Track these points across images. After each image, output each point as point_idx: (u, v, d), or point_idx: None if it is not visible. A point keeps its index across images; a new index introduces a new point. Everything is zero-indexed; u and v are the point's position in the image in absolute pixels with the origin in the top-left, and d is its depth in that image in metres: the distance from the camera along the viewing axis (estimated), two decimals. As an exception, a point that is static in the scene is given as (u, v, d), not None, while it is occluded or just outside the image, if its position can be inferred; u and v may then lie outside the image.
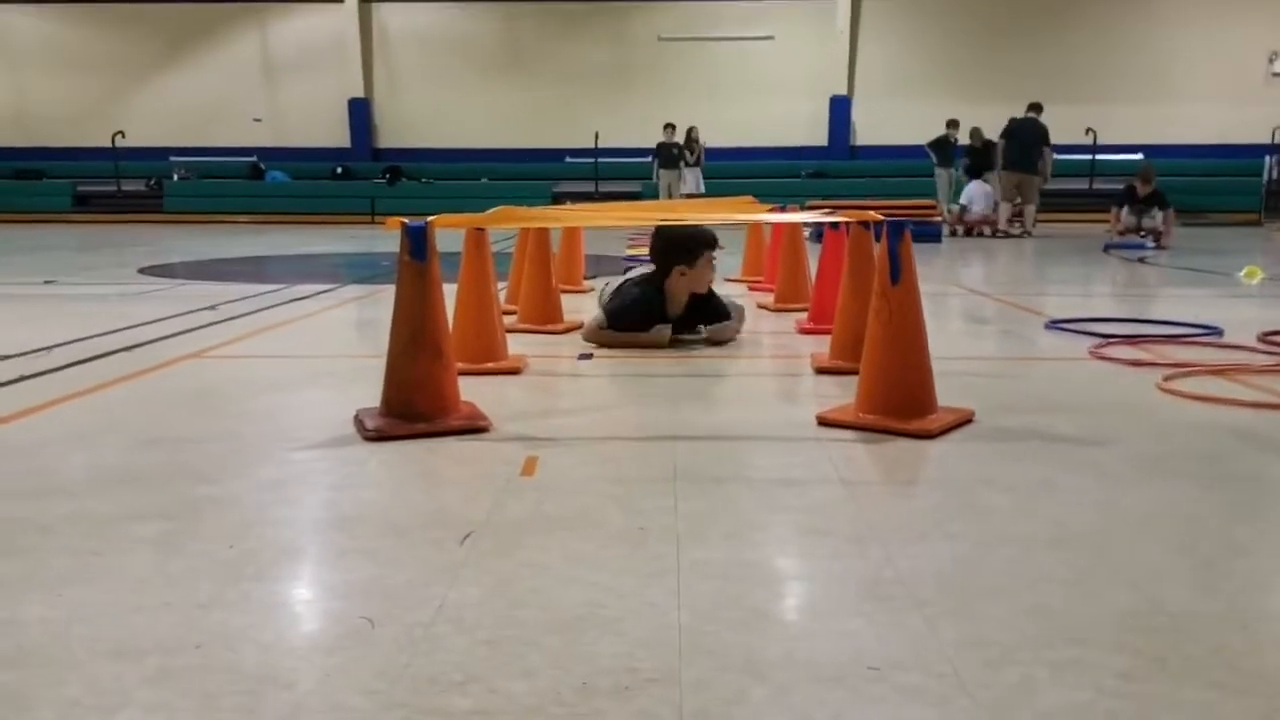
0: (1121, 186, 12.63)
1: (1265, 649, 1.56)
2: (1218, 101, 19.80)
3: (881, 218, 2.97)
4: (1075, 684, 1.44)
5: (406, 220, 2.89)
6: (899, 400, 2.91)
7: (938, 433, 2.83)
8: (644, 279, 4.57)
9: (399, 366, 2.91)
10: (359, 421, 2.91)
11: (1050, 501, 2.28)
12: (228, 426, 3.02)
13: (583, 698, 1.40)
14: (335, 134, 20.57)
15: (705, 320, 4.52)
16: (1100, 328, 4.84)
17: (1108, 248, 11.09)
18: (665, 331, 4.40)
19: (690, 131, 17.59)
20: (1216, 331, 4.75)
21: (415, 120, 20.47)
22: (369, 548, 2.00)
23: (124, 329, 4.90)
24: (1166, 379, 3.58)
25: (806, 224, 6.66)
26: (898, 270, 2.89)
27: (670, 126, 17.51)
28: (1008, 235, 13.45)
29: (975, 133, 14.85)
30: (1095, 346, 4.31)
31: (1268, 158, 19.42)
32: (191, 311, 5.63)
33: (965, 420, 2.98)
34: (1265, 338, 4.54)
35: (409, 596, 1.75)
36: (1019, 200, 13.64)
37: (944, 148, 15.58)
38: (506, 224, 3.92)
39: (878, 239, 3.84)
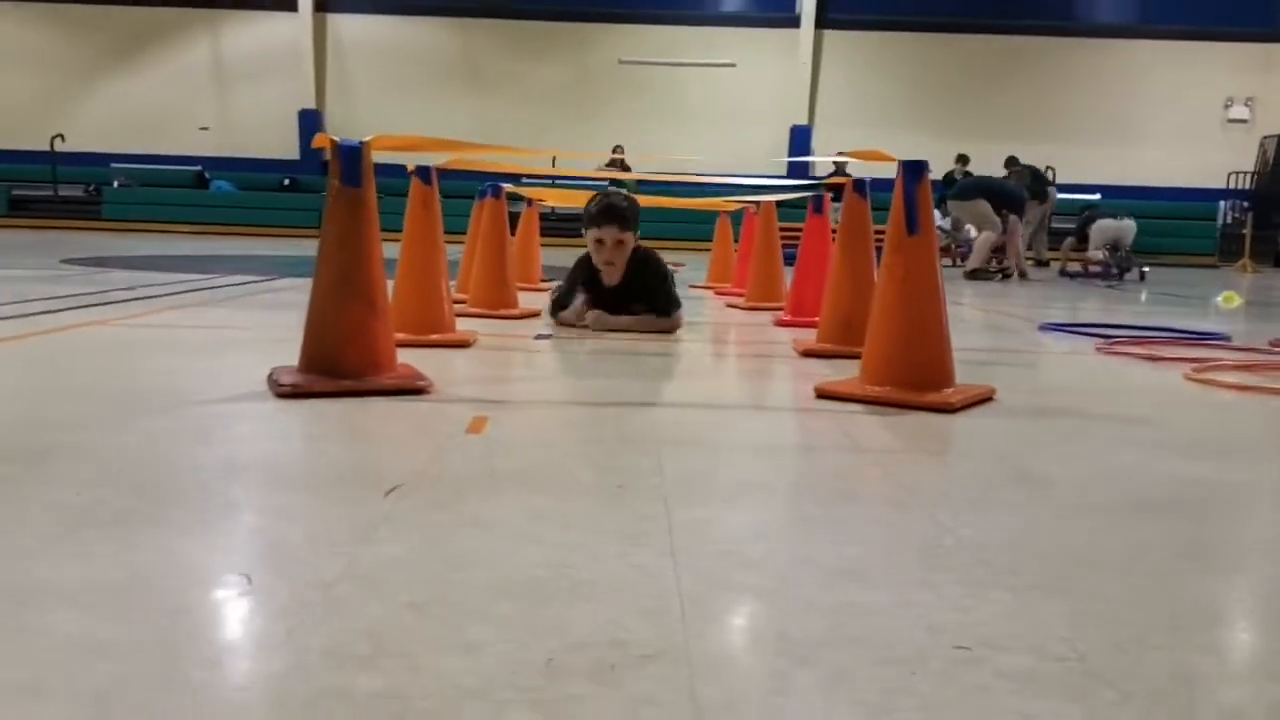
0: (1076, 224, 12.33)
1: None
2: (1175, 146, 19.90)
3: (894, 158, 2.55)
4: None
5: (338, 139, 2.43)
6: (913, 371, 2.48)
7: (960, 406, 2.41)
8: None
9: (323, 314, 2.43)
10: (273, 380, 2.43)
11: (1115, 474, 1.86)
12: (113, 382, 2.53)
13: (549, 679, 0.94)
14: (285, 145, 19.96)
15: (640, 301, 3.97)
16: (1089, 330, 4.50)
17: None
18: (577, 307, 3.97)
19: (616, 150, 15.70)
20: (1225, 337, 4.44)
21: (368, 133, 19.66)
22: (261, 501, 1.53)
23: (27, 300, 4.37)
24: (1196, 370, 3.21)
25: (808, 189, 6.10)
26: (914, 219, 2.48)
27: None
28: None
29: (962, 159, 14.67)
30: (1101, 345, 3.95)
31: (1222, 202, 19.53)
32: (107, 290, 5.10)
33: (986, 397, 2.57)
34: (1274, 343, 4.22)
35: (307, 554, 1.28)
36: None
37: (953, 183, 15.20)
38: (460, 152, 3.43)
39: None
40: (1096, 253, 11.30)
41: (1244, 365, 3.46)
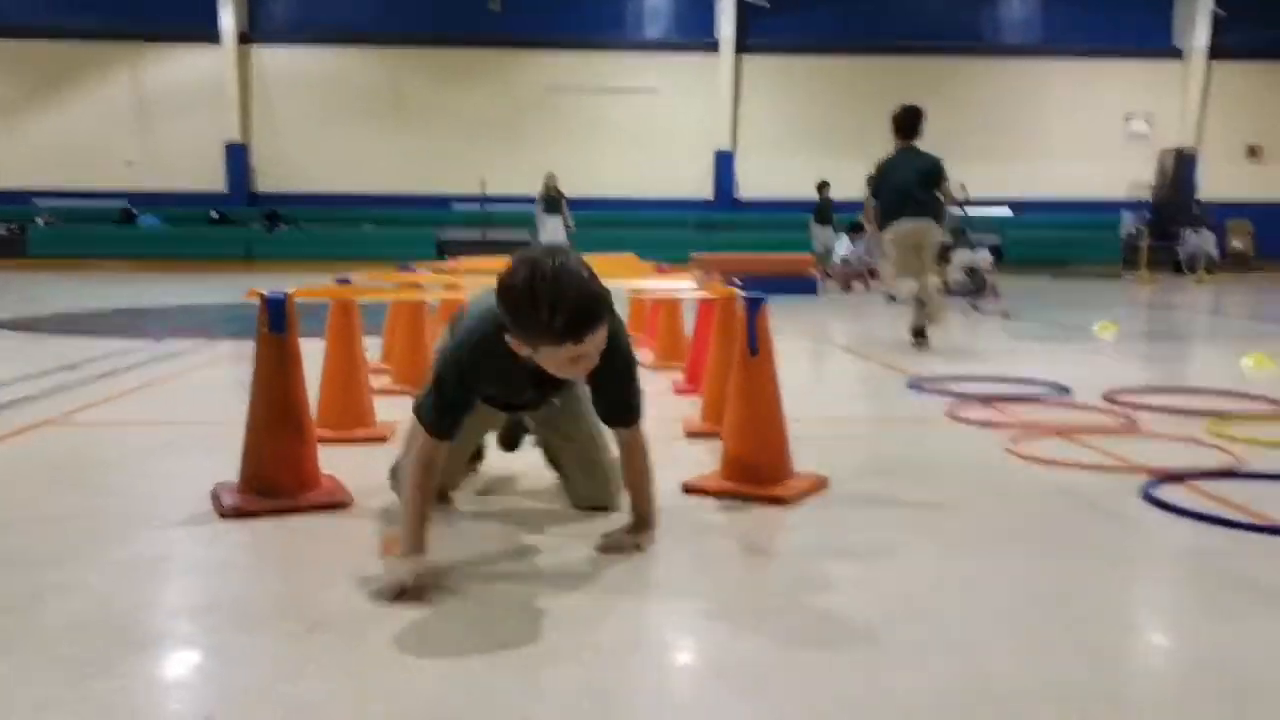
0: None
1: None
2: (1079, 160, 20.87)
3: (740, 295, 3.07)
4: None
5: (265, 292, 2.86)
6: (757, 467, 3.00)
7: (793, 499, 2.92)
8: (479, 320, 2.34)
9: (259, 444, 2.87)
10: (216, 498, 2.86)
11: (894, 571, 2.37)
12: (83, 503, 2.93)
13: (419, 801, 1.40)
14: (211, 178, 20.13)
15: (561, 392, 2.63)
16: (959, 386, 5.05)
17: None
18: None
19: (548, 179, 16.30)
20: (1065, 390, 5.00)
21: (295, 165, 20.17)
22: (216, 641, 1.97)
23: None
24: (1016, 438, 3.76)
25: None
26: (754, 342, 2.99)
27: None
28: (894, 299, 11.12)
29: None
30: (952, 406, 4.49)
31: (1125, 213, 20.55)
32: (51, 372, 5.45)
33: (820, 486, 3.08)
34: (1109, 397, 4.78)
35: (253, 693, 1.73)
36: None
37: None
38: (369, 295, 3.89)
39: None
40: (956, 274, 12.78)
41: (1064, 430, 4.01)
